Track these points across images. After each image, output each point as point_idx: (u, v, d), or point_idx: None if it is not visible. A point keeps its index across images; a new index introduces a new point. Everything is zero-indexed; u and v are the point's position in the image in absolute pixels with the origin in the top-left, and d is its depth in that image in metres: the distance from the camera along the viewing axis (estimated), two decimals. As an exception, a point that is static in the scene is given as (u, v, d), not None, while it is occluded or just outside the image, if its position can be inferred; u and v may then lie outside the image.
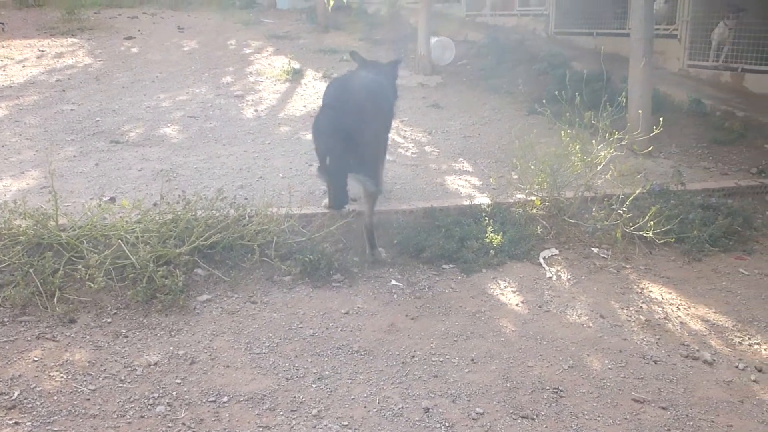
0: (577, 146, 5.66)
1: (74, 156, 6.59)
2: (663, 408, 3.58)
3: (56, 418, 3.21)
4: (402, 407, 3.44)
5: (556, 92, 5.97)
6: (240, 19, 14.72)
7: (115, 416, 3.26)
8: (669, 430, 3.42)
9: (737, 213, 5.89)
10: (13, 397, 3.31)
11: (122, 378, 3.54)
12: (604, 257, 5.35)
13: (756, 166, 7.23)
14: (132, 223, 4.62)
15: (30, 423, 3.17)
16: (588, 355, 4.02)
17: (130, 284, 4.26)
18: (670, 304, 4.72)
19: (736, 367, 4.02)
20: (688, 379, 3.87)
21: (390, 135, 6.04)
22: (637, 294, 4.85)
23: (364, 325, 4.21)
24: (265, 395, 3.48)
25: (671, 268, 5.28)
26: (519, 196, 5.86)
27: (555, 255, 5.31)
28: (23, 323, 3.93)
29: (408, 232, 5.17)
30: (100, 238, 4.49)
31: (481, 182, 6.38)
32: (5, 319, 3.95)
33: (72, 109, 8.09)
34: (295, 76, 10.17)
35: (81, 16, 13.25)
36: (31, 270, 4.16)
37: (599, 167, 5.71)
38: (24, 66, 9.91)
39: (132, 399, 3.38)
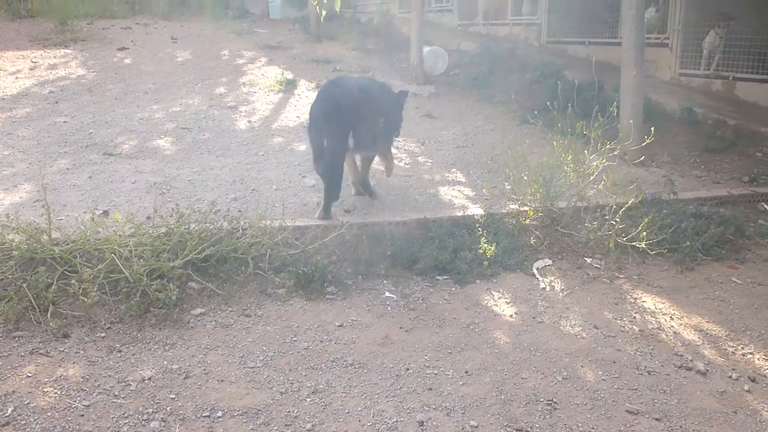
0: (570, 156, 5.69)
1: (67, 169, 6.58)
2: (657, 419, 3.59)
3: (50, 434, 3.21)
4: (396, 421, 3.44)
5: (548, 103, 6.00)
6: (233, 29, 14.74)
7: (109, 432, 3.25)
8: (663, 441, 3.44)
9: (729, 222, 5.92)
10: (6, 414, 3.30)
11: (116, 393, 3.53)
12: (597, 267, 5.37)
13: (748, 174, 7.28)
14: (125, 236, 4.62)
15: (23, 440, 3.17)
16: (582, 366, 4.03)
17: (124, 298, 4.26)
18: (663, 314, 4.74)
19: (730, 377, 4.04)
20: (682, 389, 3.88)
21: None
22: (631, 304, 4.87)
23: (359, 337, 4.21)
24: (259, 410, 3.47)
25: (664, 278, 5.30)
26: (512, 206, 5.88)
27: (548, 265, 5.33)
28: (17, 338, 3.92)
29: (401, 243, 5.18)
30: (94, 252, 4.48)
31: (475, 193, 6.39)
32: (-2, 335, 3.94)
33: (65, 121, 8.08)
34: (289, 86, 10.18)
35: (74, 27, 13.22)
36: (24, 285, 4.14)
37: (592, 177, 5.73)
38: (17, 78, 9.90)
39: (126, 415, 3.37)
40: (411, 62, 11.22)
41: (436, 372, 3.89)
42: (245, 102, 9.39)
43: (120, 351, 3.90)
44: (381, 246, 5.17)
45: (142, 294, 4.22)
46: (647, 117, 7.85)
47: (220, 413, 3.42)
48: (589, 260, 5.43)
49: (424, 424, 3.43)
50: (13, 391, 3.47)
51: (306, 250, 4.91)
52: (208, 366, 3.82)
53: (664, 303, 4.91)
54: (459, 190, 6.46)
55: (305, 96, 9.78)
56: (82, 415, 3.34)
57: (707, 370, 4.09)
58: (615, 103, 6.20)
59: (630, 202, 5.57)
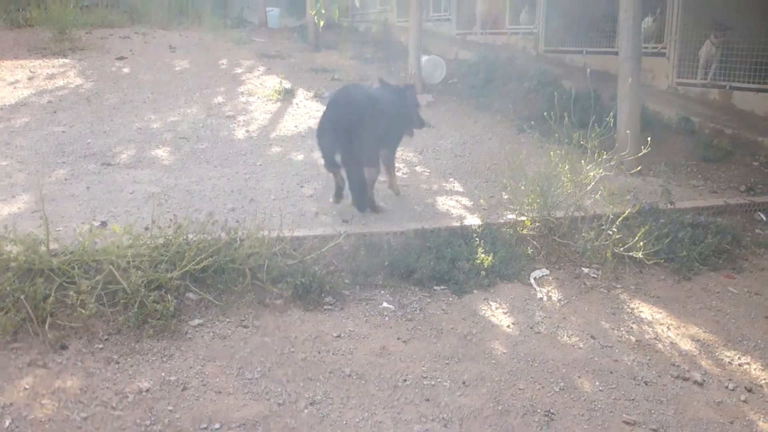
0: (567, 166, 5.71)
1: (65, 179, 6.59)
2: (654, 430, 3.60)
3: (47, 447, 3.21)
4: (394, 432, 3.45)
5: (545, 113, 6.02)
6: (231, 38, 14.77)
7: (107, 445, 3.25)
8: (660, 452, 3.45)
9: (726, 231, 5.95)
10: (4, 427, 3.30)
11: (114, 405, 3.54)
12: (594, 277, 5.38)
13: (745, 183, 7.31)
14: (123, 247, 4.61)
15: (21, 452, 3.17)
16: (579, 377, 4.04)
17: (122, 309, 4.26)
18: (660, 324, 4.75)
19: (726, 387, 4.05)
20: (679, 400, 3.89)
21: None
22: (628, 314, 4.88)
23: (356, 348, 4.22)
24: (257, 421, 3.48)
25: (661, 288, 5.32)
26: (509, 216, 5.89)
27: (545, 275, 5.34)
28: (14, 350, 3.91)
29: (399, 253, 5.19)
30: (92, 263, 4.48)
31: (472, 203, 6.41)
32: (-4, 346, 3.94)
33: (63, 131, 8.09)
34: (287, 95, 10.20)
35: (72, 36, 13.22)
36: (22, 296, 4.13)
37: (589, 187, 5.75)
38: (15, 87, 9.91)
39: (124, 427, 3.38)
40: (409, 71, 11.25)
41: (433, 383, 3.90)
42: (243, 111, 9.41)
43: (118, 362, 3.90)
44: (379, 256, 5.18)
45: (140, 305, 4.22)
46: (644, 126, 7.88)
47: (217, 425, 3.43)
48: (586, 270, 5.45)
49: (422, 435, 3.44)
50: (11, 403, 3.47)
51: (304, 261, 4.92)
52: (205, 377, 3.82)
53: (661, 313, 4.92)
54: (456, 200, 6.47)
55: (303, 105, 9.81)
56: (80, 428, 3.35)
57: (704, 381, 4.10)
58: (612, 113, 6.23)
59: (627, 211, 5.59)
